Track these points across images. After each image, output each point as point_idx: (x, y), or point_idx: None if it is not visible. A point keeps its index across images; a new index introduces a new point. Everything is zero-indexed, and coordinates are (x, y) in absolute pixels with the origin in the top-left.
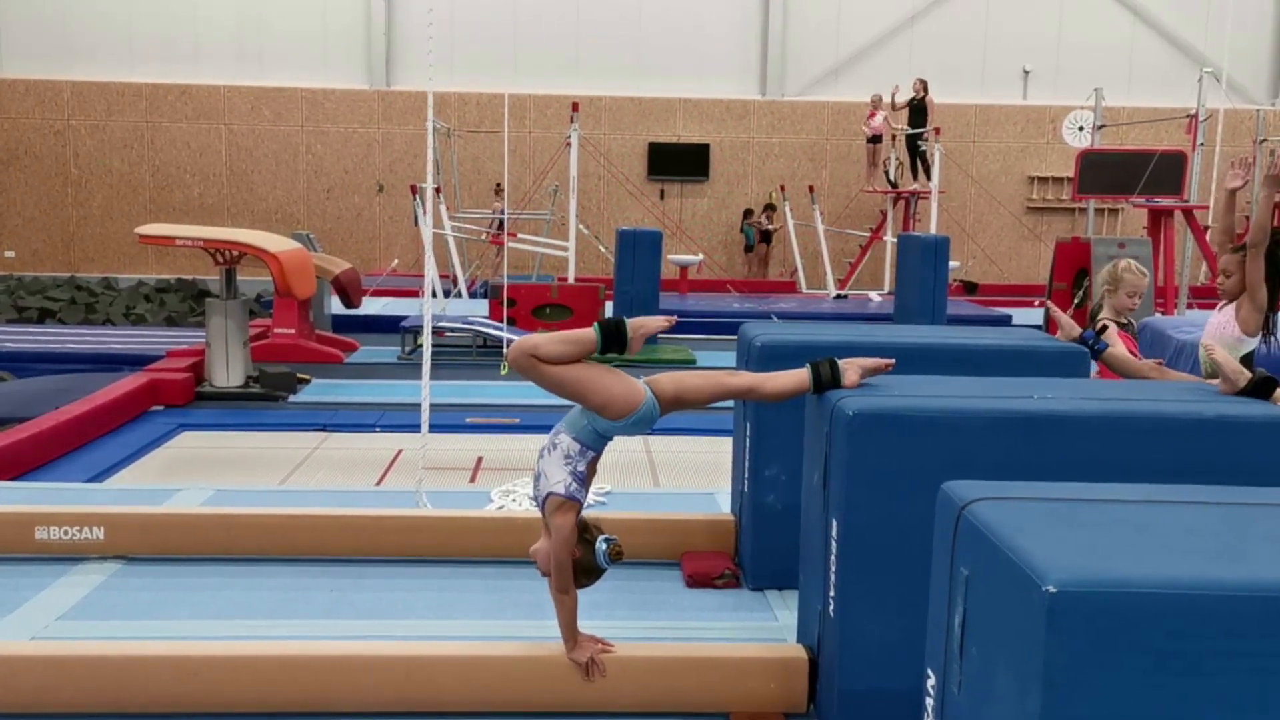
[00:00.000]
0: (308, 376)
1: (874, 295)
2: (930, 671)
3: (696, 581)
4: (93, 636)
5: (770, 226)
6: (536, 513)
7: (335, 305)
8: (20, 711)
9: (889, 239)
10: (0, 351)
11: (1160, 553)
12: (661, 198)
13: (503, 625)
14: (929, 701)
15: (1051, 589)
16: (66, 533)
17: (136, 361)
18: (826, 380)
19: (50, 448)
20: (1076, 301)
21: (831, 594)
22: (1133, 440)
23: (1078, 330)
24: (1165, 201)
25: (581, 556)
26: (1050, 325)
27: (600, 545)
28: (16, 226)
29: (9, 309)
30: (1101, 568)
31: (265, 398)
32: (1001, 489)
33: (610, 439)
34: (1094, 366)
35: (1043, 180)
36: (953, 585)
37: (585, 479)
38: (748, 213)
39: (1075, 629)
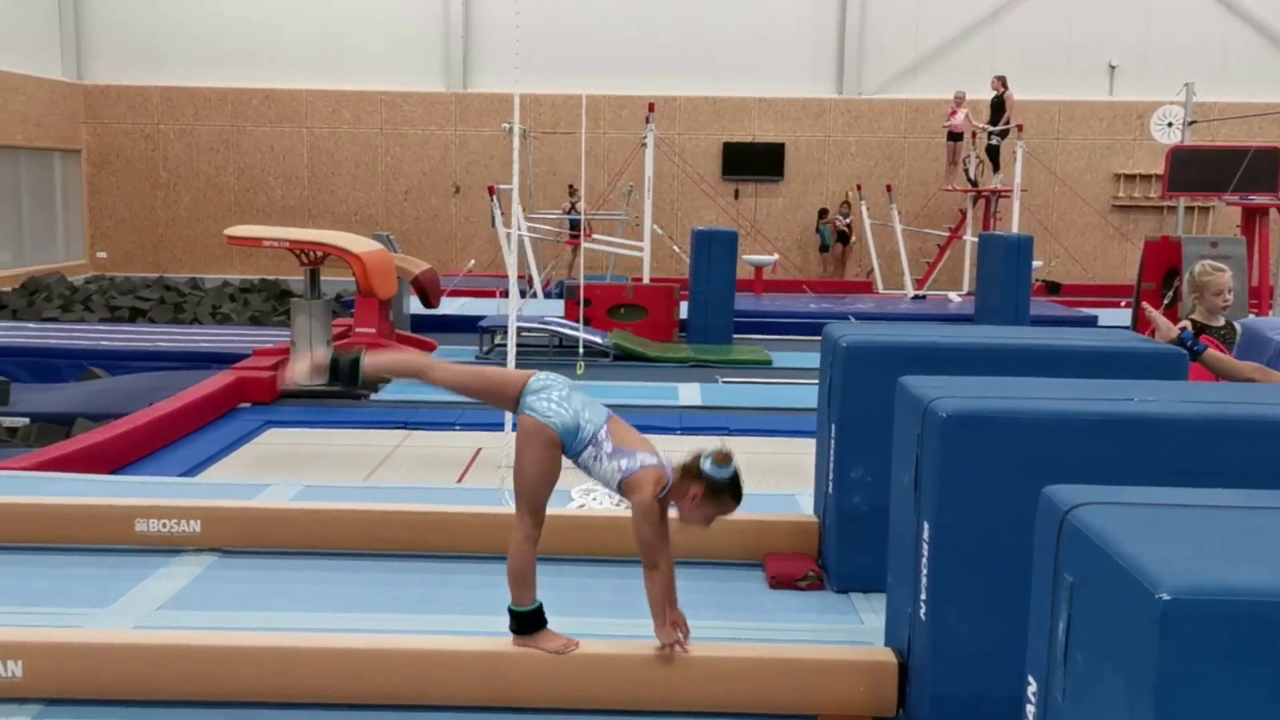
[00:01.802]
0: (388, 376)
1: (953, 296)
2: (1032, 678)
3: (780, 583)
4: (192, 626)
5: (846, 225)
6: (618, 511)
7: (414, 305)
8: (125, 699)
9: (968, 238)
10: (95, 350)
11: (1274, 558)
12: (736, 197)
13: (588, 623)
14: (1030, 709)
15: (1165, 596)
16: (165, 525)
17: (224, 360)
18: (345, 374)
19: (145, 443)
20: (1167, 302)
21: (923, 597)
22: (1236, 444)
23: (1175, 331)
24: (1260, 199)
25: (702, 488)
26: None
27: (705, 463)
28: (108, 228)
29: (102, 308)
30: (1215, 575)
31: (347, 396)
32: (1106, 494)
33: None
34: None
35: (1129, 178)
36: (1056, 591)
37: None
38: (823, 212)
39: (1189, 637)
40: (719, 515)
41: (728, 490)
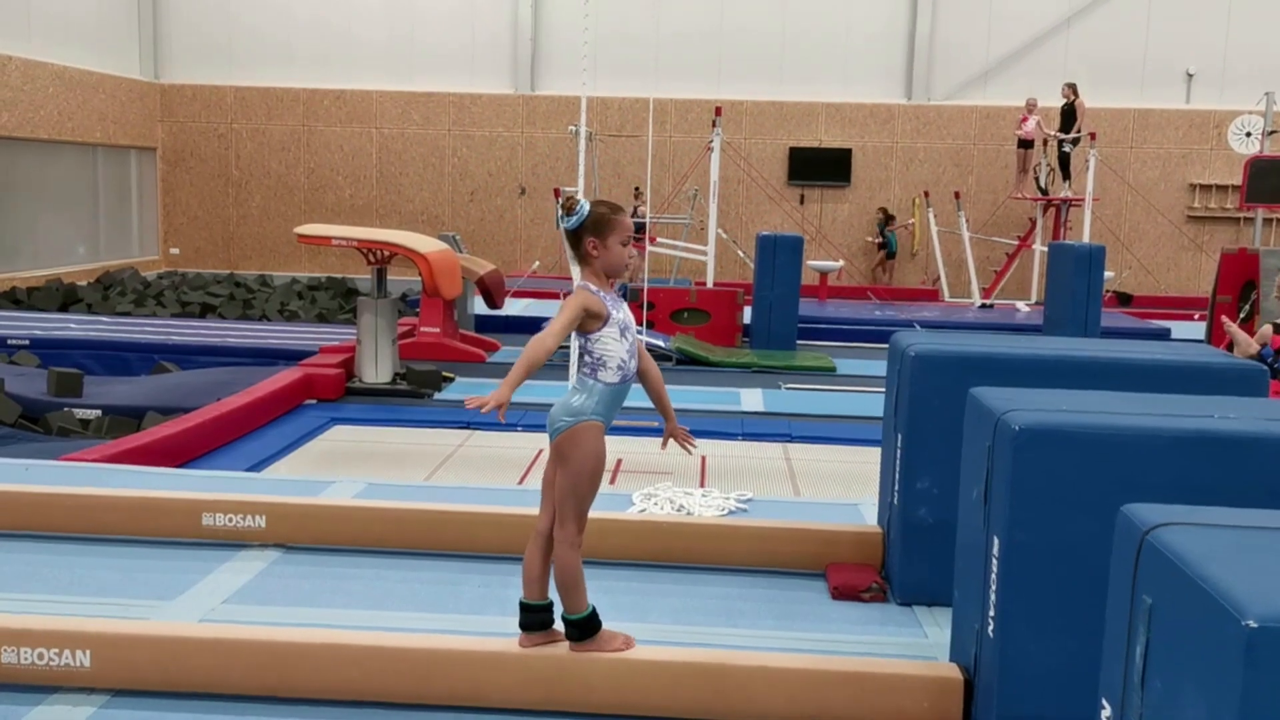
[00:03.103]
0: (452, 375)
1: (1021, 305)
2: (1106, 701)
3: (843, 594)
4: (256, 621)
5: (881, 237)
6: (679, 517)
7: (479, 305)
8: (191, 691)
9: (1038, 247)
10: (166, 344)
11: None
12: (801, 202)
13: (645, 628)
14: None
15: (1252, 624)
16: (230, 520)
17: (291, 356)
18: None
19: (213, 437)
20: (1243, 316)
21: (991, 613)
22: None
23: (1255, 347)
24: None
25: (584, 237)
26: (1218, 339)
27: (564, 225)
28: (181, 225)
29: (174, 304)
30: None
31: (412, 395)
32: (1187, 514)
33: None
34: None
35: (1205, 188)
36: (1134, 614)
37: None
38: (889, 218)
39: (1276, 666)
40: (623, 240)
41: (597, 214)
